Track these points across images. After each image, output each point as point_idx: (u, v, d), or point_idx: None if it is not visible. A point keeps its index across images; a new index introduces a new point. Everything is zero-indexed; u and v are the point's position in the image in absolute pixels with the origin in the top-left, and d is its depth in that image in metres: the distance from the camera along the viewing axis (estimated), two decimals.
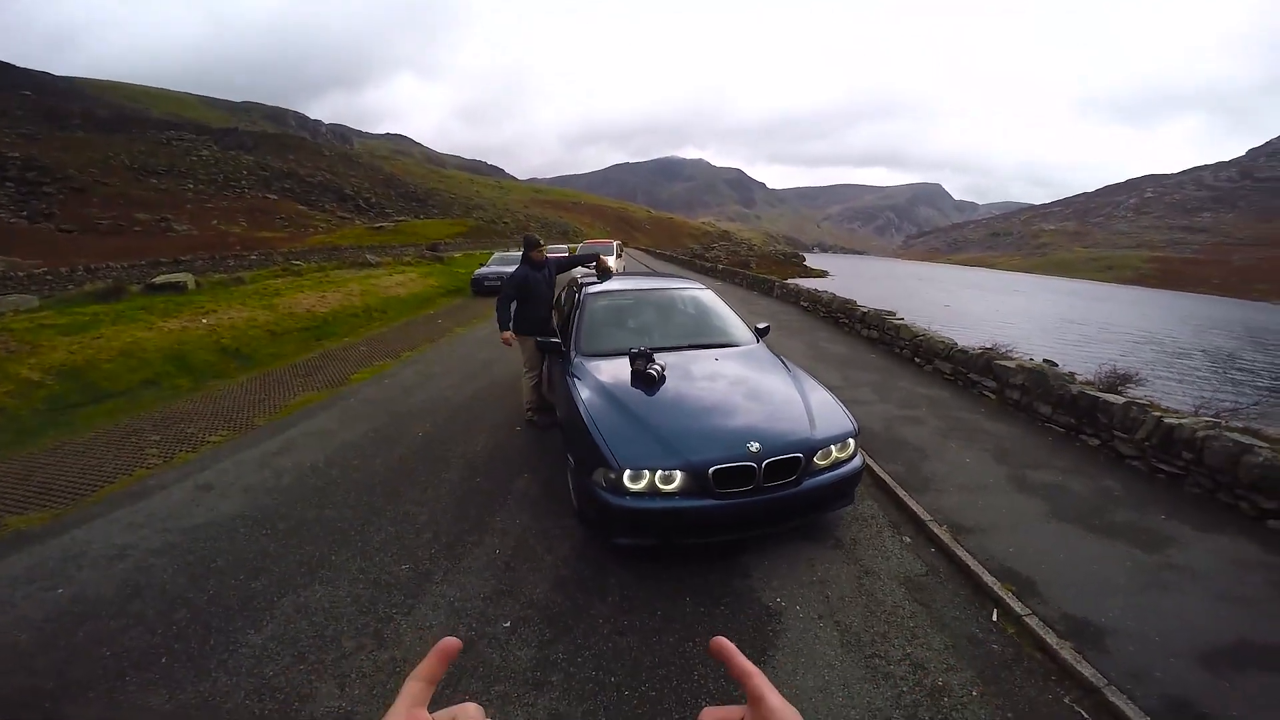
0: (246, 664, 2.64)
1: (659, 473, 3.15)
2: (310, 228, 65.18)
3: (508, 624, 2.91)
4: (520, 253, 6.02)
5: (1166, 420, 4.73)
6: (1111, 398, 5.43)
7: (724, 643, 0.50)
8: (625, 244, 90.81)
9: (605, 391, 3.88)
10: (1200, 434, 4.41)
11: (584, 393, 3.89)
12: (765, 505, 3.25)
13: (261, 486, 4.52)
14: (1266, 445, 4.20)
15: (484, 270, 19.09)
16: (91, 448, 5.45)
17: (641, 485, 3.15)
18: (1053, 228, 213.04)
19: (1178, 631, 2.85)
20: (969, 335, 11.39)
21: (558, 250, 33.18)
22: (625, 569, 3.37)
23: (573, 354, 4.61)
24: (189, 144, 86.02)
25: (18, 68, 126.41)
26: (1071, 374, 6.86)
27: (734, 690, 2.36)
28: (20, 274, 22.93)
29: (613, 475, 3.17)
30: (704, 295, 5.81)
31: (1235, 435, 4.34)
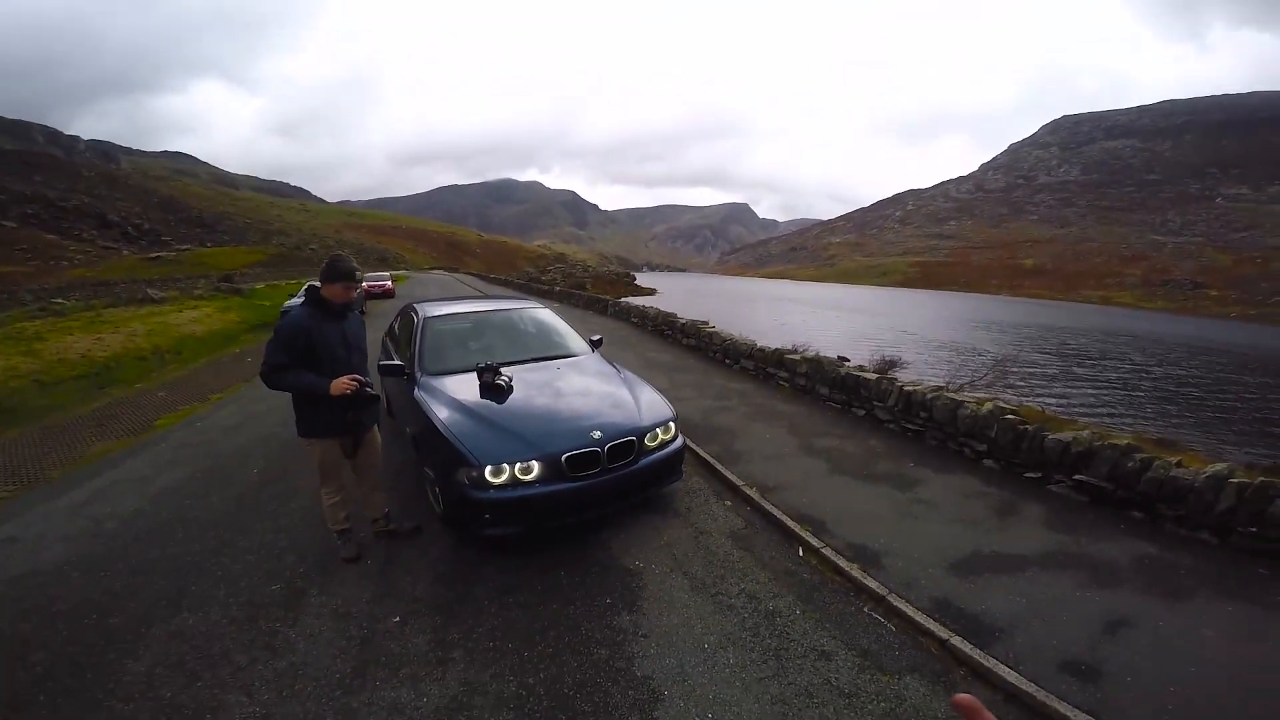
0: (139, 689, 2.64)
1: (518, 465, 3.59)
2: (64, 260, 54.44)
3: (397, 618, 3.16)
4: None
5: (906, 389, 6.23)
6: (869, 375, 6.93)
7: (969, 701, 0.49)
8: (455, 269, 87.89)
9: (457, 403, 4.15)
10: (929, 397, 5.88)
11: (435, 406, 4.12)
12: (613, 484, 3.86)
13: (82, 534, 4.22)
14: (973, 402, 5.67)
15: (296, 301, 17.73)
16: None
17: (503, 479, 3.56)
18: (838, 240, 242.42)
19: (930, 549, 3.79)
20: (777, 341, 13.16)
21: (380, 281, 27.98)
22: (499, 558, 3.77)
23: (418, 374, 4.69)
24: None
25: None
26: (843, 359, 8.51)
27: (627, 647, 2.91)
28: None
29: (474, 473, 3.54)
30: (541, 313, 6.18)
31: (952, 395, 5.81)
